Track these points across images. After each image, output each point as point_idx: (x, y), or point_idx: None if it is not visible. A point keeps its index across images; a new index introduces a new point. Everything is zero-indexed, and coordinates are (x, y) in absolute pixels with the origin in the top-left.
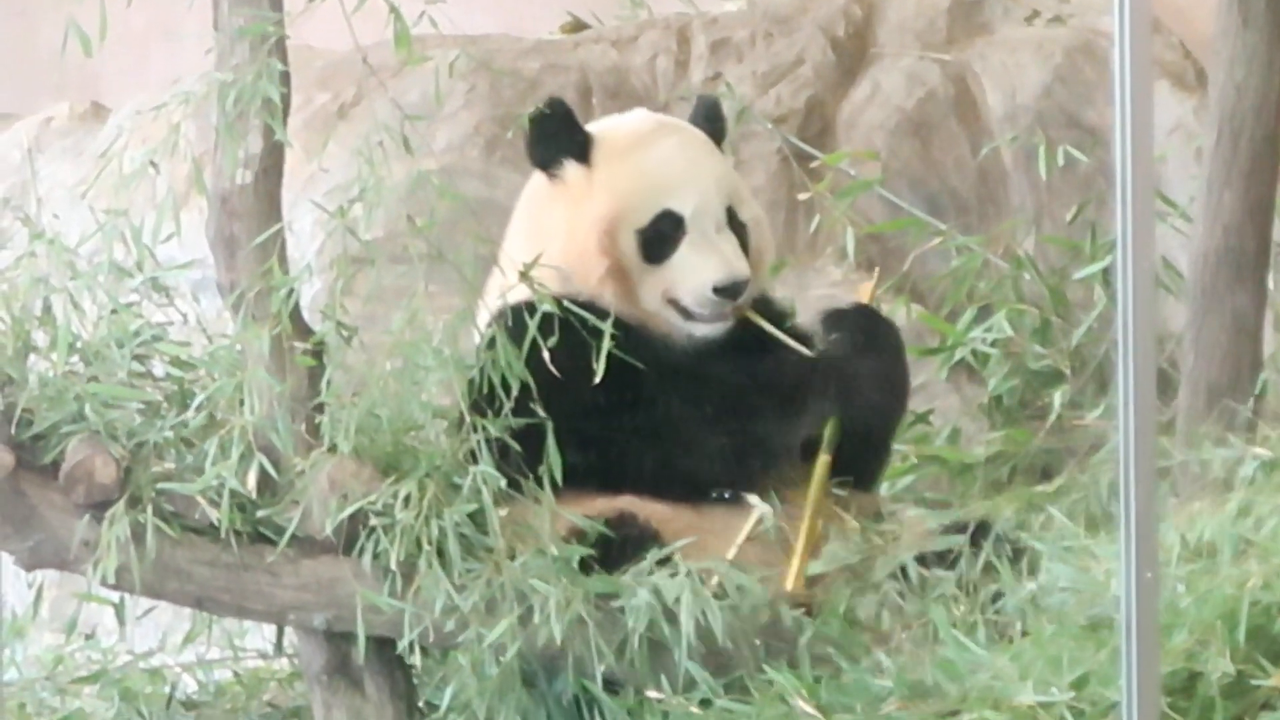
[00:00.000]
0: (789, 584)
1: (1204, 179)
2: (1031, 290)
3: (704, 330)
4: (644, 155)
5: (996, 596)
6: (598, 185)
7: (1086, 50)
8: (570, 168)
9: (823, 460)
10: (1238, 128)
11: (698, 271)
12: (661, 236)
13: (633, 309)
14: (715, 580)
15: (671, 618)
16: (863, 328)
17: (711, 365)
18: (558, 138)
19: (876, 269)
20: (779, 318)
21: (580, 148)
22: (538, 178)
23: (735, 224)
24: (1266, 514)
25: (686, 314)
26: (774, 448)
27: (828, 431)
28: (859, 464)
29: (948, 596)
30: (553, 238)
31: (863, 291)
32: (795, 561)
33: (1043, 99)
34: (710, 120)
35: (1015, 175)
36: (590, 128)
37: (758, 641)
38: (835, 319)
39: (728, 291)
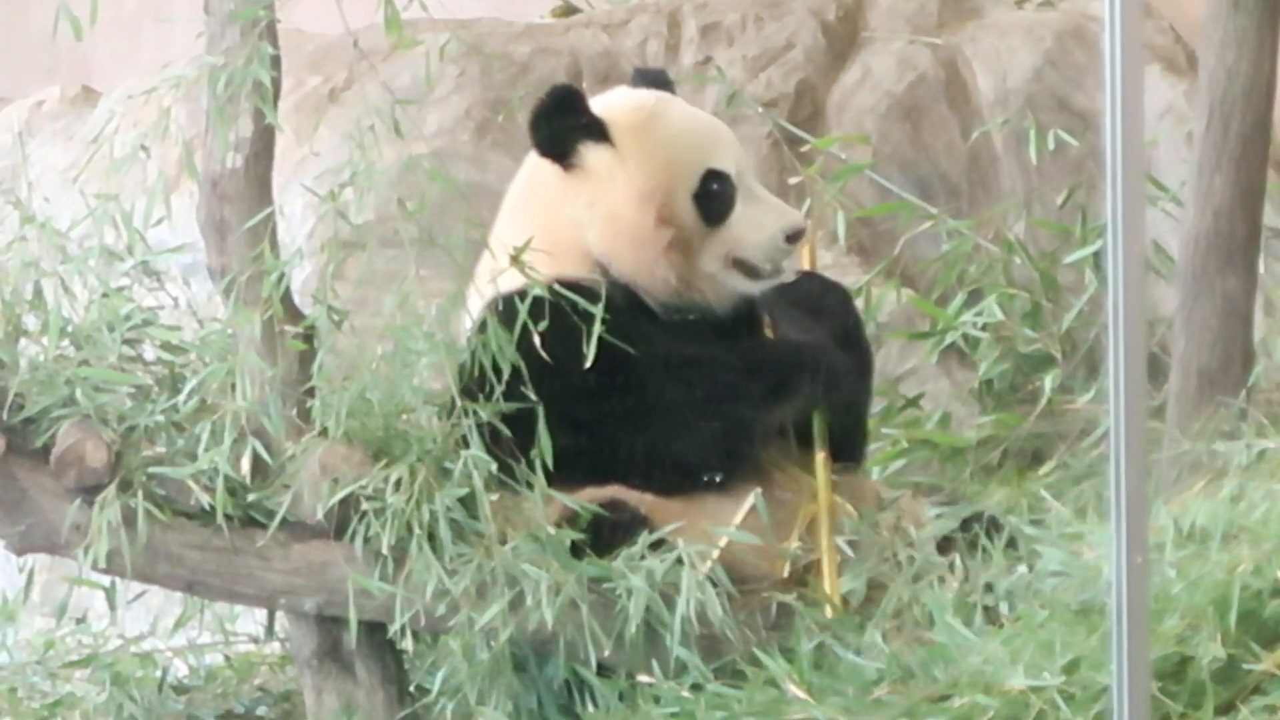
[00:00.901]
0: (828, 611)
1: (1194, 163)
2: (1022, 274)
3: (763, 287)
4: (666, 123)
5: (988, 581)
6: (631, 162)
7: (1077, 34)
8: (590, 153)
9: (820, 458)
10: (1228, 112)
11: (763, 225)
12: (715, 196)
13: (686, 279)
14: (708, 565)
15: (668, 601)
16: (814, 296)
17: (712, 342)
18: (572, 124)
19: (810, 229)
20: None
21: (598, 130)
22: (541, 169)
23: None
24: (1258, 499)
25: (752, 271)
26: (760, 429)
27: (815, 426)
28: (842, 439)
29: (940, 581)
30: (584, 227)
31: (802, 257)
32: (828, 583)
33: (1033, 83)
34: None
35: (1006, 159)
36: (594, 109)
37: (749, 629)
38: (786, 290)
39: (796, 237)
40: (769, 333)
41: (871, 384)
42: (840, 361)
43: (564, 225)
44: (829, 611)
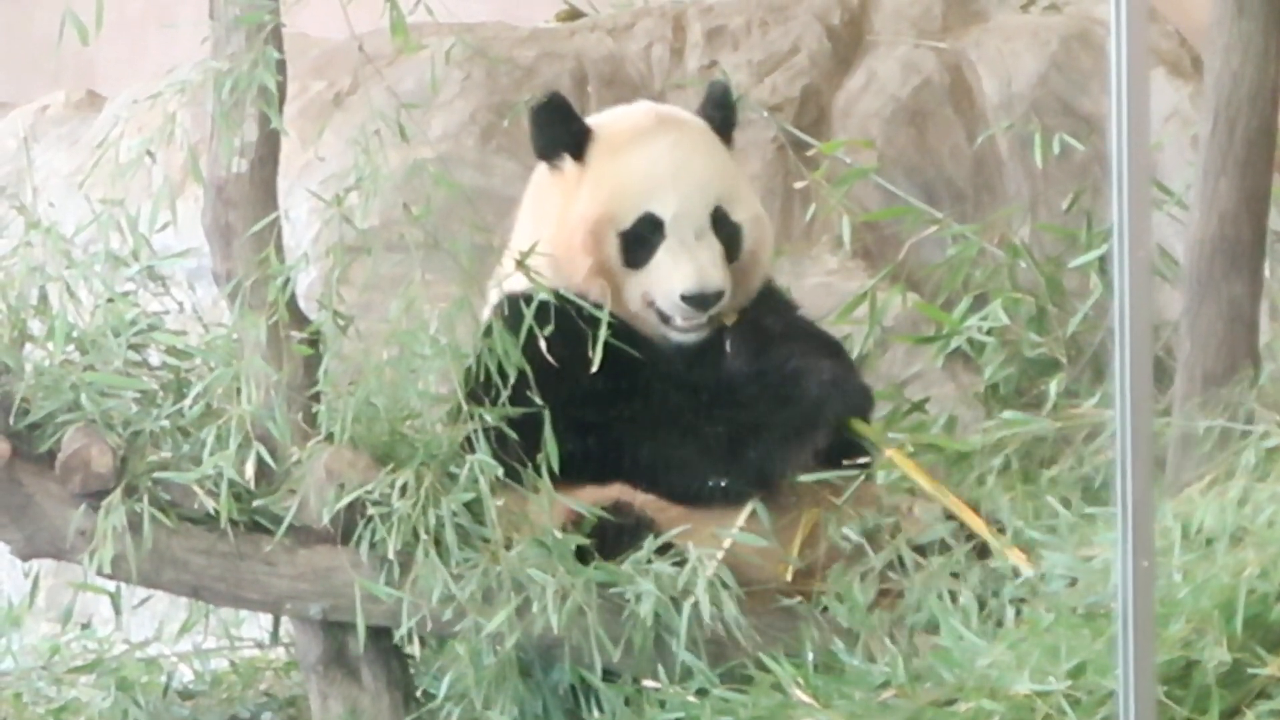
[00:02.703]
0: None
1: (1200, 167)
2: (1027, 278)
3: (679, 337)
4: (633, 155)
5: (994, 585)
6: (587, 183)
7: (1082, 38)
8: (567, 163)
9: (896, 453)
10: (1233, 115)
11: (669, 279)
12: (641, 240)
13: (618, 308)
14: (711, 569)
15: (678, 605)
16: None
17: (690, 369)
18: (556, 131)
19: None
20: (786, 308)
21: (576, 142)
22: (542, 166)
23: (727, 226)
24: (1264, 502)
25: (664, 318)
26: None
27: (866, 431)
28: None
29: (945, 585)
30: (547, 226)
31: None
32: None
33: (1038, 87)
34: (720, 109)
35: (1011, 163)
36: (591, 121)
37: (755, 633)
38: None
39: (696, 301)
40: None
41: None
42: (846, 374)
43: (540, 225)
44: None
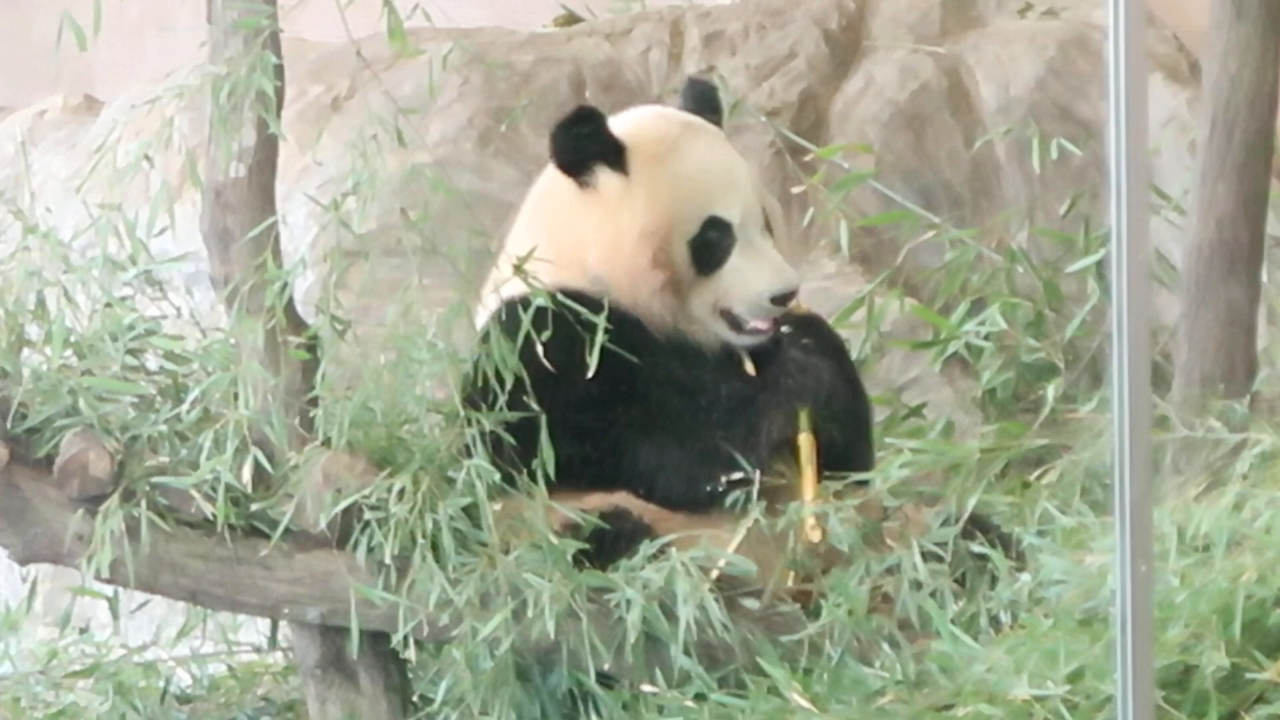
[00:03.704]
0: (813, 535)
1: (1198, 171)
2: (1025, 283)
3: (751, 340)
4: (681, 162)
5: (991, 590)
6: (639, 197)
7: (1080, 43)
8: (604, 176)
9: (805, 439)
10: (1231, 120)
11: (751, 281)
12: (711, 245)
13: (678, 319)
14: (714, 574)
15: (667, 612)
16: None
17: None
18: (591, 145)
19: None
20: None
21: (615, 155)
22: (558, 181)
23: (769, 224)
24: (1262, 506)
25: (737, 324)
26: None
27: (803, 418)
28: (849, 452)
29: (943, 590)
30: (589, 247)
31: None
32: (807, 507)
33: (1036, 91)
34: (710, 108)
35: (1009, 168)
36: (616, 132)
37: (752, 638)
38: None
39: (783, 300)
40: (749, 368)
41: (867, 400)
42: (838, 378)
43: (571, 240)
44: (813, 536)
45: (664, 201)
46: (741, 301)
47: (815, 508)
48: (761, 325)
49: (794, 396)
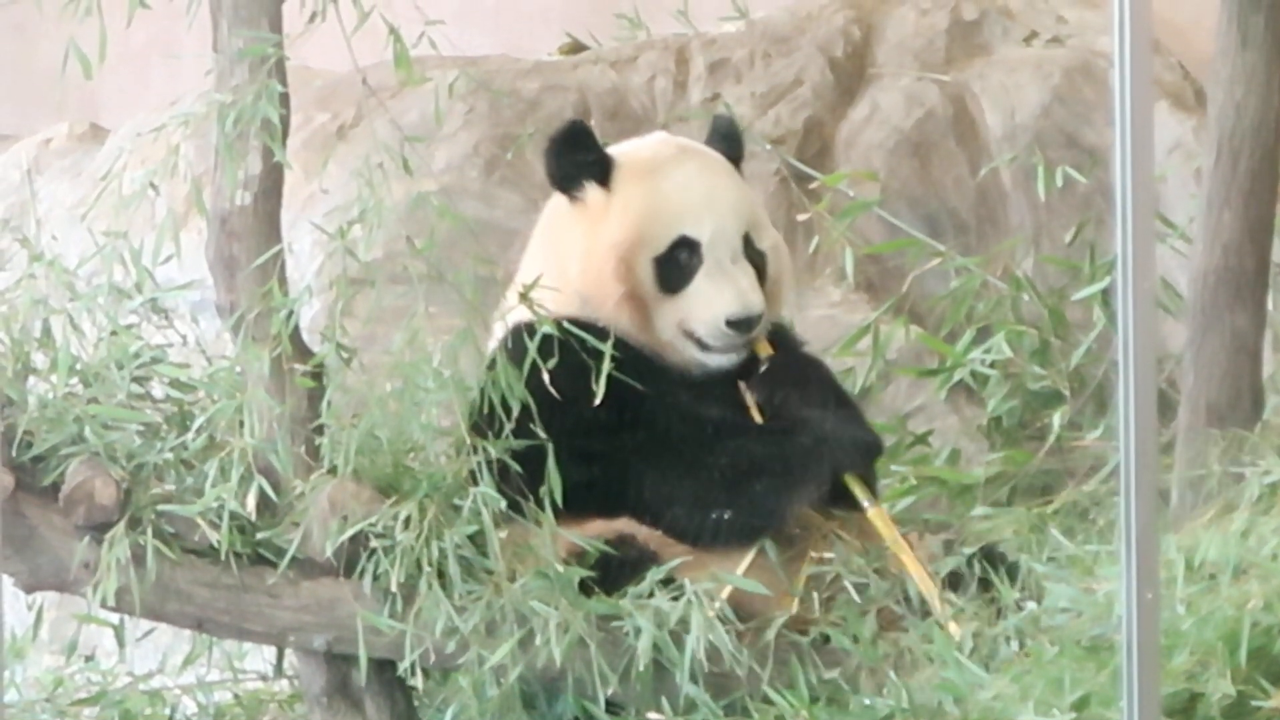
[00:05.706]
0: (952, 629)
1: (1203, 199)
2: (1030, 311)
3: (717, 361)
4: (662, 180)
5: (998, 617)
6: (615, 209)
7: (1085, 70)
8: (590, 190)
9: (876, 512)
10: (1237, 147)
11: (712, 303)
12: (677, 264)
13: (648, 337)
14: (718, 604)
15: (675, 639)
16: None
17: (719, 397)
18: (578, 159)
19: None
20: (796, 344)
21: (601, 170)
22: (558, 199)
23: (752, 252)
24: (1268, 534)
25: (701, 345)
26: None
27: (858, 488)
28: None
29: (950, 618)
30: (570, 259)
31: (762, 348)
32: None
33: (1041, 119)
34: (726, 140)
35: (1014, 195)
36: (611, 150)
37: (758, 666)
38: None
39: (741, 325)
40: (751, 405)
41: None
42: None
43: (561, 257)
44: (952, 630)
45: (636, 216)
46: (701, 323)
47: (937, 591)
48: (725, 347)
49: (835, 462)
